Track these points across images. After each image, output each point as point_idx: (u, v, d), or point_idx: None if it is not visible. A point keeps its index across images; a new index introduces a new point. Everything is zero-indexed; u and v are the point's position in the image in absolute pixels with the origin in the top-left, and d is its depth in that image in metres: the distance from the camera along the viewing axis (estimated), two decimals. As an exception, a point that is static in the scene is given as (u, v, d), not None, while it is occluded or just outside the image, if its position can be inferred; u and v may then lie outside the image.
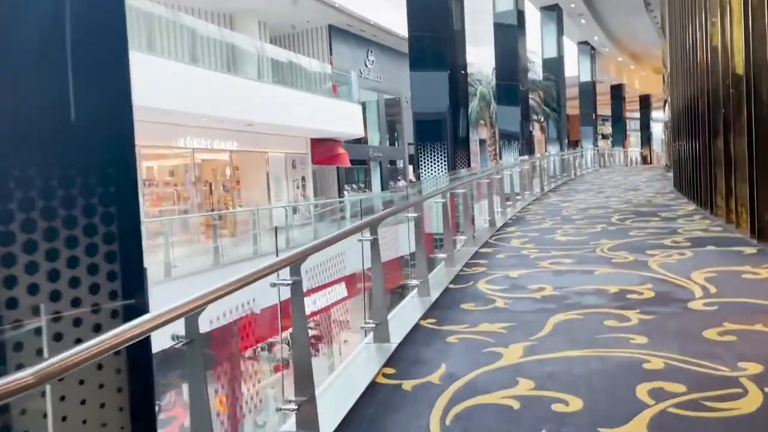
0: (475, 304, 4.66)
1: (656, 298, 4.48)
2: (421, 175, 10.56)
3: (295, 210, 17.74)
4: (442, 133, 10.53)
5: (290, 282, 2.62)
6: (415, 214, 4.84)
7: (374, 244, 3.78)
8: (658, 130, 46.29)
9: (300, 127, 16.85)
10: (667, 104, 22.22)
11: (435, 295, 4.94)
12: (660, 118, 42.16)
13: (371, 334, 3.80)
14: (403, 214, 4.91)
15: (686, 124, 10.81)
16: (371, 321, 3.78)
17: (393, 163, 26.02)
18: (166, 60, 11.76)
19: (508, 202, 11.29)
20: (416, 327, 4.16)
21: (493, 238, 7.90)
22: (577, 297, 4.66)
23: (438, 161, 10.51)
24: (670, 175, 17.53)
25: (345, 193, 21.02)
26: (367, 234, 3.78)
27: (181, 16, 13.18)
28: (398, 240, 5.85)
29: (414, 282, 4.91)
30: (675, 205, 10.23)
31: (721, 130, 7.78)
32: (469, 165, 11.40)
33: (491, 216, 9.02)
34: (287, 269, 2.64)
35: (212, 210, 15.66)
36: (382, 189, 22.94)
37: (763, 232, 5.99)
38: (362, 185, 23.45)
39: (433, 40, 10.56)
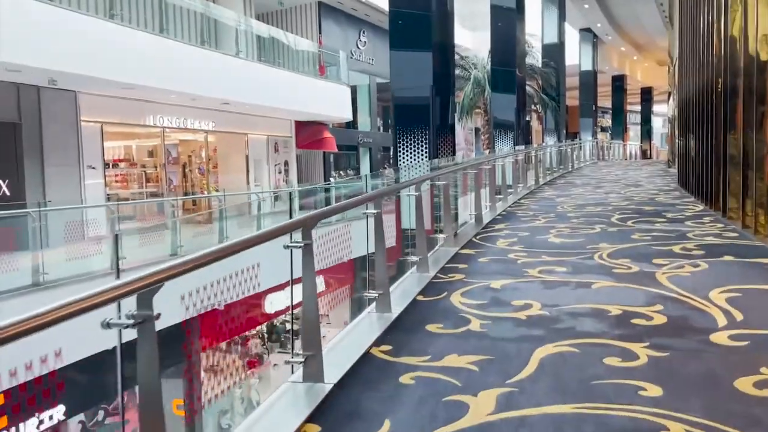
0: (444, 326, 3.76)
1: (669, 325, 3.59)
2: (399, 163, 9.59)
3: (276, 197, 16.79)
4: (424, 119, 9.51)
5: (133, 321, 1.71)
6: (374, 211, 3.92)
7: (307, 252, 2.87)
8: (658, 124, 45.50)
9: (283, 108, 15.85)
10: (671, 97, 21.34)
11: (398, 310, 4.04)
12: (662, 111, 41.35)
13: (300, 371, 2.90)
14: (360, 210, 4.00)
15: (695, 118, 9.90)
16: (300, 352, 2.88)
17: (387, 149, 25.00)
18: (128, 29, 10.73)
19: (498, 195, 10.41)
20: (365, 358, 3.26)
21: (477, 237, 7.00)
22: (571, 320, 3.77)
23: (418, 149, 9.51)
24: (673, 171, 16.66)
25: (331, 179, 20.05)
26: (297, 237, 2.87)
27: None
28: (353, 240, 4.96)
29: (372, 294, 4.01)
30: (681, 204, 9.34)
31: (739, 124, 6.89)
32: (454, 153, 10.43)
33: (478, 211, 8.13)
34: (134, 301, 1.73)
35: (185, 194, 14.71)
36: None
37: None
38: (350, 171, 22.48)
39: (417, 18, 9.50)
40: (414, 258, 5.15)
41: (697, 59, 9.76)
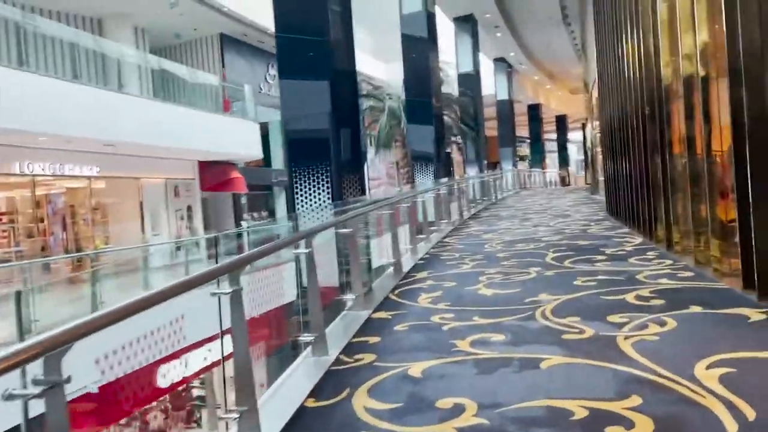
0: (337, 460, 2.50)
1: (660, 436, 2.48)
2: (296, 207, 8.28)
3: (179, 247, 15.11)
4: (323, 154, 8.23)
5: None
6: (229, 290, 2.64)
7: (54, 409, 1.55)
8: (573, 151, 46.65)
9: (182, 148, 14.35)
10: (588, 124, 21.32)
11: (272, 432, 2.75)
12: (576, 138, 42.38)
13: None
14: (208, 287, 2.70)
15: (624, 142, 9.25)
16: None
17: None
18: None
19: (420, 235, 9.34)
20: None
21: (396, 292, 5.82)
22: (521, 434, 2.59)
23: (317, 189, 8.22)
24: (597, 197, 16.27)
25: (243, 223, 18.50)
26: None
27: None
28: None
29: (231, 414, 2.70)
30: (616, 236, 8.56)
31: (679, 146, 6.13)
32: (364, 192, 9.26)
33: (396, 257, 6.98)
34: None
35: (65, 251, 12.84)
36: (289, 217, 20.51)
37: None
38: (265, 214, 20.99)
39: (309, 44, 8.31)
40: (307, 337, 3.88)
41: (622, 82, 9.16)
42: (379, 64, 26.65)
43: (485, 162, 25.03)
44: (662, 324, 3.97)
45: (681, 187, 6.22)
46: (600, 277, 5.70)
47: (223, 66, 18.75)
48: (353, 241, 5.31)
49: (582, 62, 21.66)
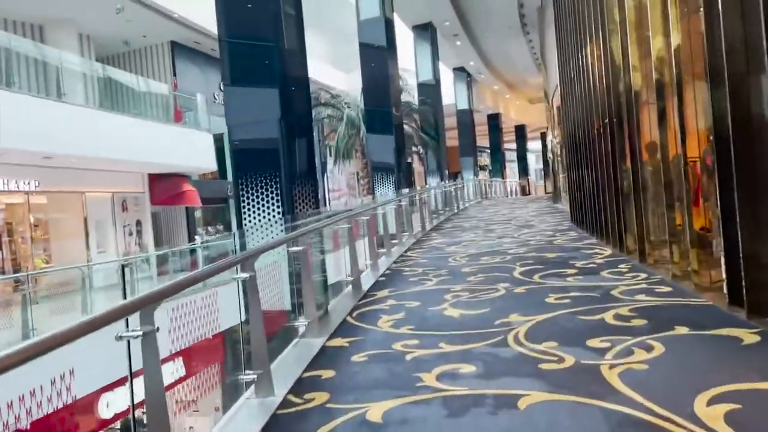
0: None
1: (671, 501, 2.05)
2: (243, 221, 7.70)
3: (127, 264, 14.25)
4: (273, 164, 7.66)
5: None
6: (139, 332, 2.11)
7: None
8: (532, 160, 47.06)
9: (129, 160, 13.60)
10: (548, 133, 21.28)
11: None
12: (535, 148, 42.74)
13: None
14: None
15: (591, 151, 8.99)
16: None
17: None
18: None
19: (381, 249, 8.88)
20: None
21: (354, 314, 5.32)
22: (502, 502, 2.13)
23: (267, 202, 7.66)
24: (560, 206, 16.11)
25: (197, 238, 17.70)
26: None
27: None
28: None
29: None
30: (585, 247, 8.25)
31: (650, 153, 5.84)
32: (317, 205, 8.74)
33: (354, 275, 6.49)
34: None
35: (3, 272, 11.91)
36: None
37: (760, 301, 3.85)
38: (220, 228, 20.19)
39: (257, 49, 7.77)
40: (250, 375, 3.35)
41: (586, 88, 8.91)
42: (339, 74, 26.21)
43: (446, 172, 24.78)
44: (649, 349, 3.57)
45: (653, 196, 5.92)
46: (573, 293, 5.31)
47: (175, 75, 18.00)
48: (306, 260, 4.80)
49: (541, 72, 21.65)
